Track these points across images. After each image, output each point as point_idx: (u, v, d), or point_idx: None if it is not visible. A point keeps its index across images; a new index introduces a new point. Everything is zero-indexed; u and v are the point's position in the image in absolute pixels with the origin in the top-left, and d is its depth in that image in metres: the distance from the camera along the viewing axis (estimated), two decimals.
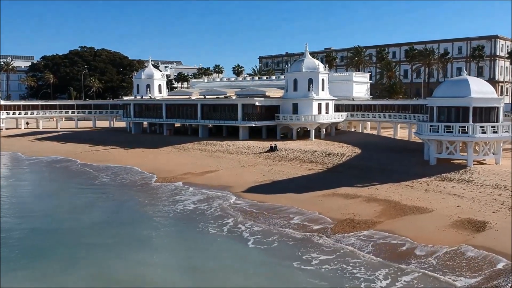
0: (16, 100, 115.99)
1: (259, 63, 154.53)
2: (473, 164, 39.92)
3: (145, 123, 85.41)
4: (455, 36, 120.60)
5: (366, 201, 32.66)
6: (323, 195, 34.94)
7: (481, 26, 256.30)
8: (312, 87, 66.51)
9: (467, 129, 39.12)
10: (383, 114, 70.67)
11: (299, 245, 25.64)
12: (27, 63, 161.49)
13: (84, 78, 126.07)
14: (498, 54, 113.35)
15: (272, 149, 54.89)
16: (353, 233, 26.77)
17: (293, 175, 42.47)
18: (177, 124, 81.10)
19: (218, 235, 28.14)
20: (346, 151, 52.16)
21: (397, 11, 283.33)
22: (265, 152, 54.68)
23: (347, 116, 72.87)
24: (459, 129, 39.38)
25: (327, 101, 69.24)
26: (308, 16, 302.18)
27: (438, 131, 40.48)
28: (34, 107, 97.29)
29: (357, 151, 52.15)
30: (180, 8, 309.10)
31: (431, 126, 41.04)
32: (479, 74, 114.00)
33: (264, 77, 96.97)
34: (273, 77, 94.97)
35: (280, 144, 57.47)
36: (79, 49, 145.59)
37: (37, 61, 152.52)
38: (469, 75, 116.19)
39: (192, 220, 31.32)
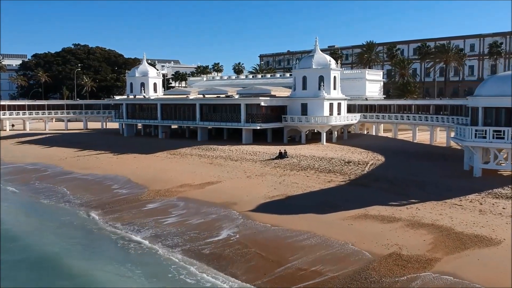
0: (7, 100, 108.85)
1: (260, 61, 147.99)
2: None
3: (140, 125, 78.84)
4: (465, 33, 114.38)
5: (410, 226, 25.88)
6: (352, 216, 28.15)
7: (482, 24, 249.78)
8: (323, 86, 59.87)
9: None
10: (401, 115, 64.12)
11: None
12: (19, 62, 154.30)
13: (77, 77, 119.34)
14: None
15: (282, 155, 48.11)
16: (405, 277, 20.00)
17: (310, 189, 35.63)
18: (174, 126, 74.51)
19: None
20: (367, 158, 45.44)
21: (399, 9, 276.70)
22: (273, 159, 47.91)
23: (360, 117, 66.28)
24: None
25: (339, 101, 62.64)
26: (309, 14, 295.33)
27: (485, 137, 33.81)
28: (21, 107, 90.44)
29: (380, 158, 45.42)
30: (178, 6, 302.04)
31: (476, 131, 34.36)
32: (493, 72, 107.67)
33: (268, 75, 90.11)
34: (278, 75, 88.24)
35: (288, 149, 50.79)
36: (72, 46, 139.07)
37: (29, 59, 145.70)
38: (482, 73, 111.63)
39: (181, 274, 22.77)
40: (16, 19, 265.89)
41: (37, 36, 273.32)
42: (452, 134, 57.55)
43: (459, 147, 51.58)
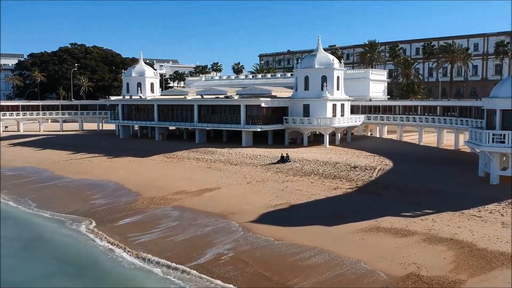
0: (2, 100, 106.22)
1: (260, 61, 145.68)
2: None
3: (136, 126, 76.41)
4: (468, 33, 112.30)
5: (426, 241, 23.53)
6: (363, 229, 25.79)
7: (485, 23, 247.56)
8: (326, 86, 57.52)
9: None
10: (406, 117, 61.81)
11: None
12: (16, 61, 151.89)
13: (73, 76, 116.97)
14: None
15: (284, 159, 45.76)
16: None
17: (315, 197, 33.28)
18: (172, 127, 72.15)
19: None
20: (374, 162, 43.04)
21: (400, 8, 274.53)
22: (274, 163, 45.56)
23: (364, 119, 63.94)
24: None
25: (342, 102, 60.31)
26: (309, 13, 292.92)
27: (503, 142, 31.49)
28: (14, 108, 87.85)
29: (387, 162, 43.03)
30: (177, 5, 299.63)
31: (493, 135, 32.04)
32: (497, 72, 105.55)
33: (269, 75, 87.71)
34: (279, 75, 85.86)
35: (290, 152, 48.42)
36: (69, 46, 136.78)
37: (25, 58, 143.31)
38: (487, 73, 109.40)
39: None
40: (13, 18, 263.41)
41: (34, 36, 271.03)
42: (461, 137, 55.63)
43: (468, 150, 49.43)
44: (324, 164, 42.98)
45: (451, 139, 56.92)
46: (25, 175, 48.31)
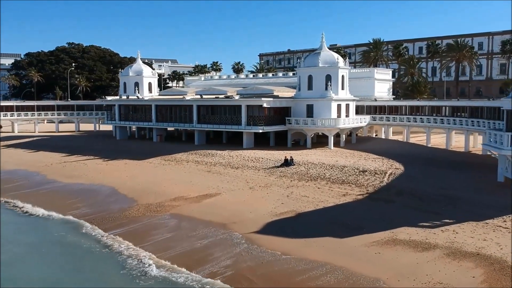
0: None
1: (260, 60, 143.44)
2: None
3: (133, 127, 74.11)
4: (472, 31, 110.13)
5: (450, 256, 21.23)
6: (378, 241, 23.48)
7: (489, 22, 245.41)
8: (330, 85, 55.26)
9: None
10: (413, 117, 59.59)
11: None
12: (12, 61, 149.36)
13: (71, 76, 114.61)
14: None
15: (287, 163, 43.43)
16: None
17: (323, 204, 30.95)
18: (171, 128, 69.84)
19: None
20: (384, 166, 40.68)
21: (401, 7, 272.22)
22: (278, 166, 43.24)
23: (369, 119, 61.67)
24: None
25: (347, 102, 58.06)
26: (309, 12, 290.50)
27: None
28: (8, 109, 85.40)
29: (398, 166, 40.67)
30: (176, 4, 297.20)
31: None
32: (502, 72, 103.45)
33: (270, 74, 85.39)
34: (280, 74, 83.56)
35: (294, 154, 46.19)
36: (66, 45, 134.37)
37: (22, 58, 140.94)
38: (491, 72, 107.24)
39: None
40: (10, 17, 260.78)
41: (31, 35, 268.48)
42: (471, 138, 53.44)
43: (480, 152, 47.32)
44: (331, 168, 40.65)
45: (458, 140, 54.80)
46: (16, 179, 45.77)
